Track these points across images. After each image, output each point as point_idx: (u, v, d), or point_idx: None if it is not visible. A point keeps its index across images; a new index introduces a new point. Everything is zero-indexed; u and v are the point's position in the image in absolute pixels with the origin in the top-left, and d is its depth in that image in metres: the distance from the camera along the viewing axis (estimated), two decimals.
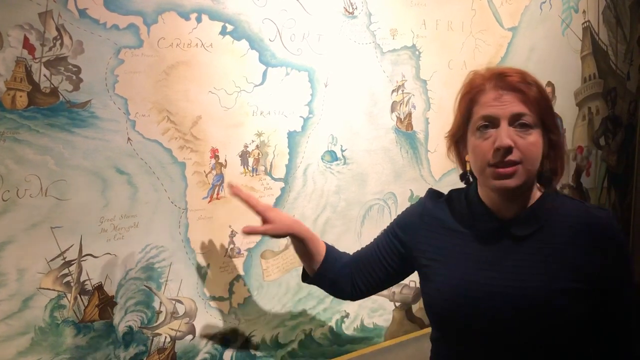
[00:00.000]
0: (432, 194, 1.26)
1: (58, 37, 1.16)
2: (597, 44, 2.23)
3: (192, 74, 1.33)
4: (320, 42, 1.51)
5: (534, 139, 1.04)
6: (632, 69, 2.42)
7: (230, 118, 1.40)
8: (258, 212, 1.27)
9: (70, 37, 1.17)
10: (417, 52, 1.71)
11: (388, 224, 1.31)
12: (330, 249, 1.33)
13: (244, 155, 1.43)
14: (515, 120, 1.03)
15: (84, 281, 1.24)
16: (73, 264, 1.22)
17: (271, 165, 1.48)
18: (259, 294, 1.50)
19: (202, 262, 1.40)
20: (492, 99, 1.05)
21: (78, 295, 1.24)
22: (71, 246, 1.22)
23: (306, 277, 1.34)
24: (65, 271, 1.22)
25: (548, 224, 1.07)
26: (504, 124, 1.03)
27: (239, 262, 1.46)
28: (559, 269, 1.04)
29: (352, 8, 1.56)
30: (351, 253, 1.35)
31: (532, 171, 1.05)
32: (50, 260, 1.19)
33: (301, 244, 1.29)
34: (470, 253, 1.12)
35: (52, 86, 1.16)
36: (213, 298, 1.43)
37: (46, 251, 1.19)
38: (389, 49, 1.65)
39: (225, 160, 1.40)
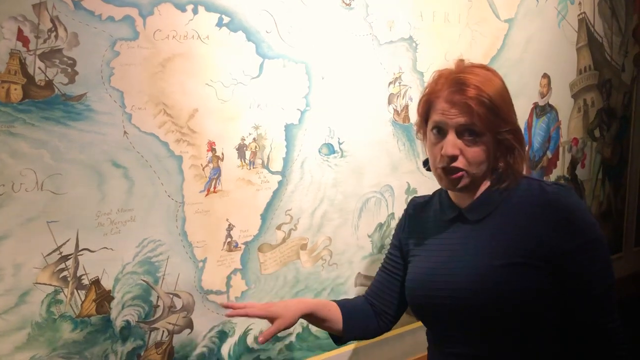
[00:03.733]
0: (413, 199, 1.36)
1: (53, 28, 1.14)
2: (592, 36, 2.23)
3: (188, 67, 1.31)
4: (317, 34, 1.50)
5: (479, 148, 1.10)
6: (627, 61, 2.43)
7: (227, 111, 1.38)
8: (263, 317, 1.23)
9: (65, 29, 1.15)
10: (414, 44, 1.71)
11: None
12: (345, 308, 1.31)
13: (241, 149, 1.42)
14: (463, 130, 1.09)
15: (81, 276, 1.23)
16: (70, 258, 1.21)
17: (268, 159, 1.47)
18: (257, 288, 1.50)
19: (200, 256, 1.39)
20: (444, 108, 1.10)
21: (75, 290, 1.23)
22: (68, 240, 1.20)
23: (337, 340, 1.34)
24: (62, 266, 1.20)
25: (502, 206, 1.13)
26: (451, 133, 1.10)
27: (236, 256, 1.45)
28: (503, 246, 1.09)
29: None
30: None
31: (478, 174, 1.12)
32: (47, 255, 1.18)
33: (314, 317, 1.27)
34: (437, 243, 1.21)
35: (47, 79, 1.14)
36: (210, 292, 1.42)
37: (42, 246, 1.18)
38: (385, 41, 1.64)
39: (222, 154, 1.39)
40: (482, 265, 1.10)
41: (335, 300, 1.33)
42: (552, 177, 2.23)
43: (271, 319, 1.21)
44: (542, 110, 2.12)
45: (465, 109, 1.08)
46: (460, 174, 1.11)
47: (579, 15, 2.16)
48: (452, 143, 1.09)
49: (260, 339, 1.19)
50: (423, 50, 1.72)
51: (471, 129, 1.09)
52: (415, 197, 1.37)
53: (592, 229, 1.09)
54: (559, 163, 2.23)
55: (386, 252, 1.38)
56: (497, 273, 1.08)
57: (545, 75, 2.09)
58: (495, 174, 1.15)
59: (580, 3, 2.15)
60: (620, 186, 2.55)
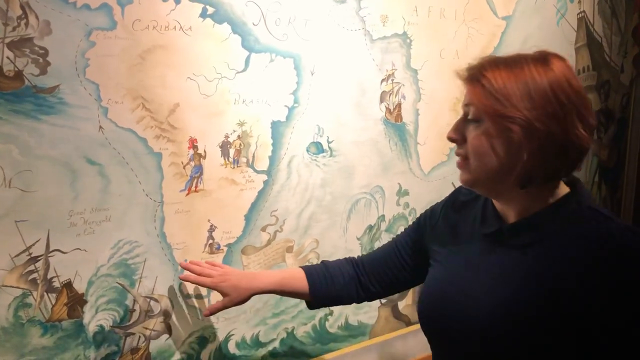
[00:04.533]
0: (460, 191, 1.19)
1: (22, 15, 1.07)
2: (592, 36, 2.17)
3: (169, 59, 1.25)
4: (307, 28, 1.44)
5: (475, 133, 0.96)
6: (626, 62, 2.37)
7: (210, 106, 1.32)
8: (212, 288, 1.24)
9: (37, 17, 1.08)
10: (408, 40, 1.64)
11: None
12: (313, 274, 1.27)
13: (224, 146, 1.36)
14: (467, 113, 0.99)
15: (52, 278, 1.17)
16: (39, 260, 1.15)
17: (253, 157, 1.41)
18: None
19: (179, 258, 1.33)
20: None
21: (45, 293, 1.16)
22: (37, 241, 1.14)
23: (310, 305, 1.30)
24: (31, 267, 1.14)
25: (554, 237, 0.95)
26: (462, 116, 1.00)
27: (218, 258, 1.39)
28: (532, 292, 0.93)
29: None
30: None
31: (480, 168, 0.97)
32: (15, 256, 1.12)
33: (279, 291, 1.26)
34: (464, 254, 1.07)
35: (16, 69, 1.07)
36: (190, 296, 1.36)
37: (10, 246, 1.11)
38: (379, 36, 1.58)
39: (205, 151, 1.33)
40: (504, 302, 0.95)
41: (304, 268, 1.28)
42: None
43: (222, 293, 1.23)
44: None
45: (470, 90, 0.98)
46: (461, 162, 1.00)
47: (578, 14, 2.10)
48: (455, 126, 1.00)
49: (205, 312, 1.24)
50: (417, 46, 1.66)
51: (470, 112, 0.97)
52: (461, 188, 1.18)
53: None
54: None
55: (407, 228, 1.28)
56: (519, 315, 0.93)
57: None
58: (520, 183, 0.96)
59: (579, 1, 2.09)
60: (617, 189, 2.50)
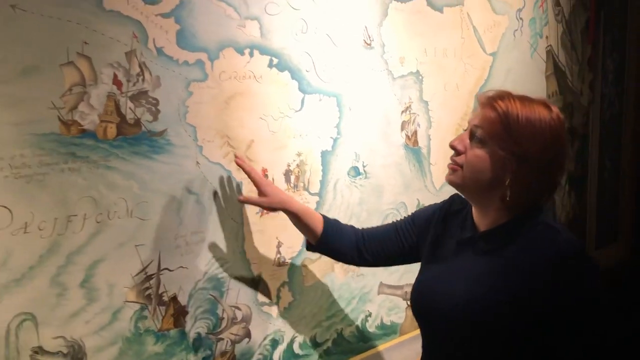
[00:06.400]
0: (456, 199, 1.36)
1: (140, 73, 1.29)
2: (557, 65, 2.54)
3: (246, 103, 1.48)
4: (346, 71, 1.71)
5: (477, 153, 1.14)
6: (584, 86, 2.76)
7: (276, 141, 1.56)
8: (256, 185, 1.43)
9: (150, 73, 1.30)
10: (420, 77, 1.94)
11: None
12: (330, 222, 1.47)
13: (287, 174, 1.60)
14: (474, 132, 1.15)
15: (162, 293, 1.37)
16: (153, 278, 1.35)
17: (308, 182, 1.65)
18: (300, 298, 1.66)
19: (256, 271, 1.55)
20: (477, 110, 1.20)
21: (157, 307, 1.36)
22: (151, 262, 1.34)
23: (310, 246, 1.50)
24: (147, 285, 1.34)
25: (513, 244, 1.14)
26: (466, 132, 1.18)
27: (284, 270, 1.62)
28: (495, 287, 1.11)
29: (370, 40, 1.76)
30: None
31: (471, 180, 1.16)
32: (135, 275, 1.32)
33: (296, 218, 1.45)
34: (446, 256, 1.26)
35: (135, 117, 1.29)
36: (264, 303, 1.58)
37: (131, 267, 1.31)
38: (398, 75, 1.86)
39: (273, 179, 1.56)
40: (470, 299, 1.13)
41: (323, 215, 1.48)
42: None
43: (260, 193, 1.43)
44: None
45: (481, 113, 1.15)
46: (455, 167, 1.17)
47: (546, 47, 2.46)
48: (460, 138, 1.18)
49: (241, 197, 1.45)
50: (427, 82, 1.96)
51: (477, 132, 1.14)
52: (455, 197, 1.36)
53: (593, 293, 1.08)
54: None
55: (410, 217, 1.45)
56: (476, 309, 1.12)
57: None
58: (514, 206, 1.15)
59: (547, 37, 2.46)
60: (582, 195, 2.87)
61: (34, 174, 1.15)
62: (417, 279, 1.32)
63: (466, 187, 1.20)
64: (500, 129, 1.12)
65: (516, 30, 2.30)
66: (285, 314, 1.63)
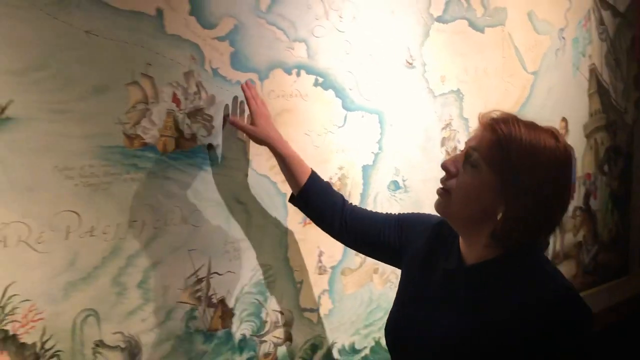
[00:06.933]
0: (445, 226, 1.21)
1: (197, 92, 1.40)
2: (600, 84, 2.56)
3: (292, 120, 1.58)
4: (387, 89, 1.79)
5: (469, 178, 1.04)
6: (629, 104, 2.76)
7: (320, 155, 1.65)
8: (251, 113, 1.42)
9: (206, 92, 1.41)
10: (460, 95, 2.00)
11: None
12: (316, 178, 1.43)
13: None
14: (469, 154, 1.05)
15: (211, 295, 1.46)
16: (203, 281, 1.45)
17: (349, 195, 1.73)
18: (340, 306, 1.74)
19: (298, 278, 1.63)
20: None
21: (206, 308, 1.46)
22: (202, 266, 1.44)
23: (292, 198, 1.47)
24: (198, 287, 1.44)
25: (500, 283, 1.04)
26: (462, 153, 1.07)
27: (324, 278, 1.70)
28: (476, 329, 1.03)
29: (412, 60, 1.84)
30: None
31: (459, 208, 1.06)
32: (187, 278, 1.42)
33: (282, 162, 1.42)
34: (427, 284, 1.16)
35: (192, 132, 1.40)
36: (306, 309, 1.66)
37: (184, 270, 1.41)
38: (439, 93, 1.93)
39: None
40: (453, 331, 1.05)
41: (314, 171, 1.44)
42: (570, 208, 2.52)
43: (252, 121, 1.42)
44: None
45: (478, 136, 1.05)
46: (443, 191, 1.08)
47: (589, 66, 2.49)
48: (454, 158, 1.08)
49: (231, 118, 1.43)
50: (468, 100, 2.02)
51: (473, 156, 1.04)
52: (446, 223, 1.18)
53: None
54: (575, 195, 2.53)
55: (401, 217, 1.36)
56: (464, 341, 1.04)
57: (564, 119, 2.40)
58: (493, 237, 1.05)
59: (590, 55, 2.48)
60: (626, 214, 2.85)
61: (100, 183, 1.27)
62: (394, 308, 1.23)
63: (454, 217, 1.10)
64: (497, 154, 1.01)
65: (558, 49, 2.34)
66: (325, 320, 1.70)
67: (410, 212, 1.46)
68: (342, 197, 1.45)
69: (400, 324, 1.18)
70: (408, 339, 1.14)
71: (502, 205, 1.02)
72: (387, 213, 1.42)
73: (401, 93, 1.83)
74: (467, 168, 1.05)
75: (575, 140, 2.49)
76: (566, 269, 2.54)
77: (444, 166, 1.09)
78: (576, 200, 2.55)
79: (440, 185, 1.10)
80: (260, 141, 1.43)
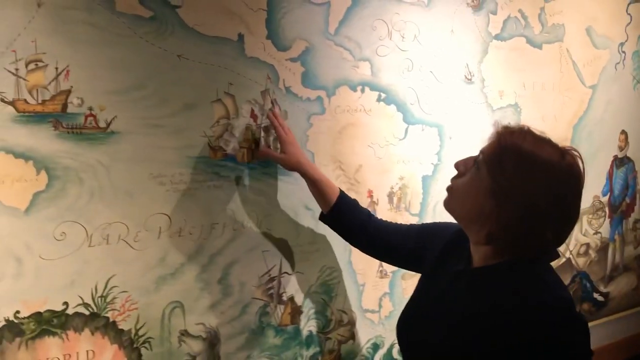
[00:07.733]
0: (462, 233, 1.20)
1: (272, 108, 1.55)
2: None
3: (356, 133, 1.71)
4: (447, 104, 1.88)
5: (467, 179, 1.10)
6: None
7: (381, 166, 1.76)
8: (280, 142, 1.49)
9: (280, 108, 1.56)
10: (518, 109, 2.07)
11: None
12: (345, 196, 1.50)
13: (390, 195, 1.79)
14: (477, 156, 1.10)
15: (282, 293, 1.60)
16: (275, 279, 1.59)
17: (409, 203, 1.84)
18: (400, 308, 1.82)
19: (360, 281, 1.75)
20: None
21: (277, 305, 1.60)
22: (274, 266, 1.58)
23: (322, 216, 1.53)
24: (270, 285, 1.58)
25: (500, 289, 1.06)
26: (475, 156, 1.12)
27: (385, 282, 1.81)
28: (474, 335, 1.05)
29: (471, 75, 1.93)
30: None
31: (456, 206, 1.13)
32: (261, 276, 1.56)
33: (312, 185, 1.49)
34: (437, 285, 1.21)
35: (267, 145, 1.54)
36: (368, 310, 1.77)
37: (258, 269, 1.56)
38: (497, 107, 2.01)
39: (377, 199, 1.76)
40: (450, 332, 1.10)
41: (342, 190, 1.50)
42: (631, 220, 2.53)
43: (281, 149, 1.49)
44: (620, 162, 2.44)
45: (490, 140, 1.10)
46: (448, 188, 1.15)
47: None
48: (466, 159, 1.13)
49: (262, 150, 1.51)
50: (525, 113, 2.09)
51: (478, 158, 1.09)
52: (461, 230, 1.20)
53: None
54: (636, 208, 2.54)
55: (425, 226, 1.44)
56: (457, 344, 1.08)
57: (623, 132, 2.42)
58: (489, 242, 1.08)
59: None
60: None
61: (188, 189, 1.44)
62: (408, 304, 1.31)
63: (455, 214, 1.15)
64: (495, 158, 1.05)
65: (618, 63, 2.36)
66: (385, 321, 1.81)
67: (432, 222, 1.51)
68: (368, 212, 1.52)
69: (403, 324, 1.27)
70: (409, 340, 1.23)
71: (496, 208, 1.04)
72: (410, 224, 1.50)
73: (460, 107, 1.92)
74: (473, 169, 1.10)
75: (635, 152, 2.50)
76: (626, 281, 2.54)
77: (455, 165, 1.14)
78: (637, 213, 2.56)
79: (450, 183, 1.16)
80: (292, 168, 1.49)
